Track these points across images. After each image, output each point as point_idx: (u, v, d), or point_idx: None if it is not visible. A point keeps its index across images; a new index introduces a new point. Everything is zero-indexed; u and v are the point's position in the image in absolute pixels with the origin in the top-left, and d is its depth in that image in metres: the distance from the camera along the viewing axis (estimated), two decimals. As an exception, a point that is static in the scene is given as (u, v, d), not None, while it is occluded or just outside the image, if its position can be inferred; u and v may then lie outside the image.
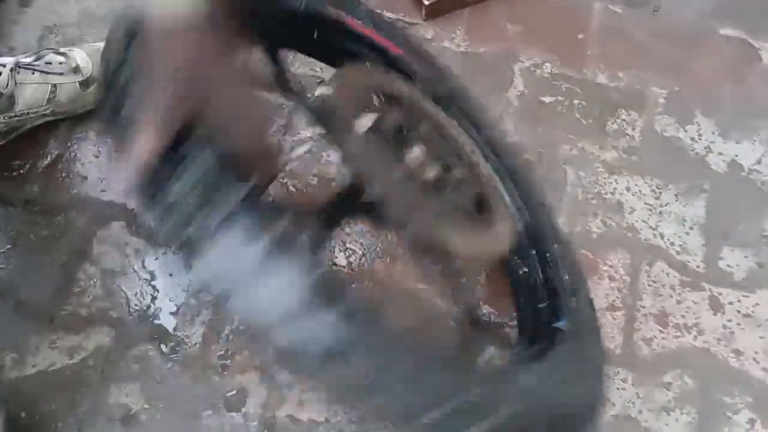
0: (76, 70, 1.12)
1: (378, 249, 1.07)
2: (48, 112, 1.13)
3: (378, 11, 1.29)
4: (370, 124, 0.70)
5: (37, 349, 1.01)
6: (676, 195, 1.13)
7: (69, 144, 1.17)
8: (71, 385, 0.99)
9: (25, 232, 1.10)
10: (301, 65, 1.19)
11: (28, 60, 1.10)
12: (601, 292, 1.06)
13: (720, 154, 1.17)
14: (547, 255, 0.88)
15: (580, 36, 1.28)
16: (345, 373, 0.59)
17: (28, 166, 1.15)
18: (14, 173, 1.14)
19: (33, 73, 1.10)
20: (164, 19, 0.51)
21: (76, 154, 1.15)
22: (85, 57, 1.14)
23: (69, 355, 1.01)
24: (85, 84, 1.13)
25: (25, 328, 1.02)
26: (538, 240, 0.89)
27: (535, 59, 1.26)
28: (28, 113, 1.11)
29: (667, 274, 1.07)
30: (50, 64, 1.11)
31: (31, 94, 1.10)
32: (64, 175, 1.14)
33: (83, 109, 1.16)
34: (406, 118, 0.78)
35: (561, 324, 0.82)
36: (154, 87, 0.54)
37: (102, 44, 1.17)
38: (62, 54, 1.13)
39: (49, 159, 1.16)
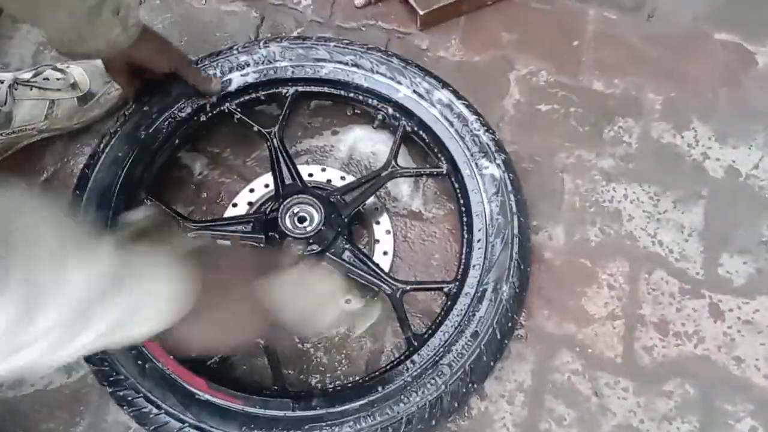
0: (74, 86, 1.12)
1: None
2: (44, 128, 1.12)
3: (372, 21, 1.30)
4: None
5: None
6: (674, 202, 1.13)
7: (65, 160, 1.16)
8: (70, 404, 0.99)
9: (22, 250, 1.09)
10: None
11: (27, 76, 1.10)
12: (601, 300, 1.05)
13: (717, 159, 1.17)
14: None
15: (575, 43, 1.28)
16: None
17: (24, 183, 1.15)
18: (11, 190, 1.14)
19: (31, 90, 1.09)
20: None
21: (72, 170, 1.15)
22: (82, 73, 1.13)
23: (67, 373, 1.00)
24: (83, 99, 1.13)
25: (23, 347, 1.02)
26: None
27: (531, 67, 1.25)
28: (25, 129, 1.11)
29: (667, 282, 1.07)
30: (48, 80, 1.11)
31: (29, 110, 1.09)
32: (61, 191, 1.13)
33: (80, 125, 1.16)
34: None
35: None
36: None
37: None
38: (60, 70, 1.12)
39: (45, 175, 1.15)
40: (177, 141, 1.10)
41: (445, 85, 1.09)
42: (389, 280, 0.98)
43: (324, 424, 0.87)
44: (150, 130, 1.06)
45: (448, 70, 1.23)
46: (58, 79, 1.12)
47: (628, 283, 1.07)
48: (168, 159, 1.10)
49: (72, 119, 1.14)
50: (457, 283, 0.98)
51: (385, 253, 1.08)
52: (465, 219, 1.02)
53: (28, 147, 1.15)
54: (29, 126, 1.11)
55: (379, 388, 0.89)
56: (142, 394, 0.89)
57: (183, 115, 1.08)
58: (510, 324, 0.95)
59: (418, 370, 0.90)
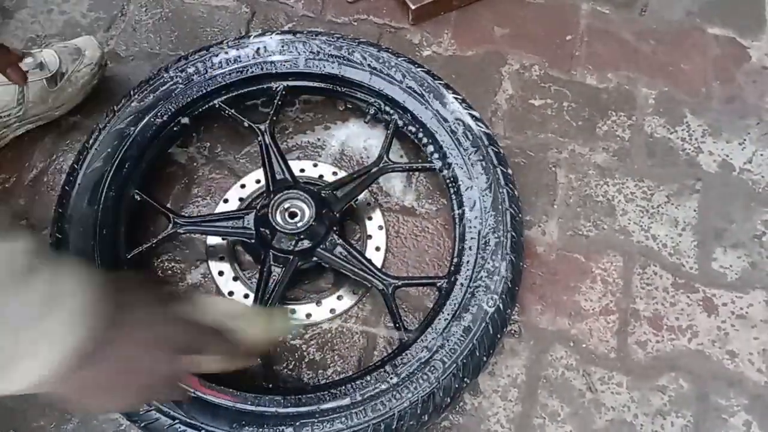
0: (42, 66, 1.09)
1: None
2: (21, 114, 1.10)
3: (364, 16, 1.29)
4: None
5: (25, 366, 0.99)
6: (667, 196, 1.13)
7: (54, 157, 1.15)
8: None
9: (11, 247, 1.08)
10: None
11: None
12: (595, 295, 1.05)
13: (711, 153, 1.17)
14: None
15: (568, 37, 1.28)
16: None
17: (13, 179, 1.14)
18: (-1, 187, 1.13)
19: None
20: None
21: (61, 167, 1.14)
22: (52, 53, 1.11)
23: (57, 371, 0.99)
24: (52, 80, 1.11)
25: (12, 345, 1.01)
26: None
27: (524, 62, 1.25)
28: (0, 117, 1.10)
29: (660, 276, 1.06)
30: None
31: (0, 96, 1.08)
32: (49, 188, 1.12)
33: (60, 110, 1.15)
34: None
35: None
36: None
37: (73, 41, 1.16)
38: (29, 54, 1.11)
39: (34, 172, 1.14)
40: (167, 136, 1.09)
41: (437, 79, 1.09)
42: (381, 275, 0.98)
43: (315, 420, 0.86)
44: (140, 126, 1.04)
45: (440, 65, 1.23)
46: (26, 63, 1.10)
47: (622, 277, 1.06)
48: (158, 155, 1.09)
49: (47, 102, 1.12)
50: (449, 278, 0.97)
51: (377, 248, 1.07)
52: (457, 214, 1.02)
53: (16, 143, 1.14)
54: (3, 113, 1.09)
55: (372, 384, 0.89)
56: (132, 391, 0.88)
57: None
58: (503, 319, 0.94)
59: (411, 366, 0.90)
